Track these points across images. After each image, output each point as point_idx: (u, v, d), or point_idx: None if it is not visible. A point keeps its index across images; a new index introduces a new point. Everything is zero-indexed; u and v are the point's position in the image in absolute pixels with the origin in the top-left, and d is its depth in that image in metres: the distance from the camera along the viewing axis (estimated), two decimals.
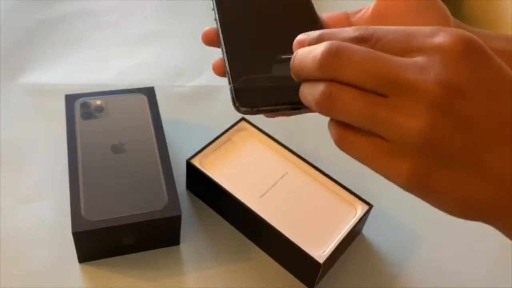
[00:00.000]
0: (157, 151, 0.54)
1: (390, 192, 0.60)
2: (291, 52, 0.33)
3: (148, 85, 0.62)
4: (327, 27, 0.40)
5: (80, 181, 0.51)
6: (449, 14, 0.37)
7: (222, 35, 0.39)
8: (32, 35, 0.75)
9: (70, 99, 0.59)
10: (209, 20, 0.88)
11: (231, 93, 0.35)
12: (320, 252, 0.49)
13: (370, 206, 0.54)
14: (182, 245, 0.54)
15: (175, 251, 0.54)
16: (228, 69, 0.37)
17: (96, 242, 0.50)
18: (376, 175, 0.39)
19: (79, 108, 0.58)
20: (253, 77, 0.36)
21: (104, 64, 0.72)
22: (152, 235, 0.52)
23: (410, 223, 0.58)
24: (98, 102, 0.59)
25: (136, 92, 0.60)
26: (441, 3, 0.37)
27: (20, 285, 0.49)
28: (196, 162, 0.56)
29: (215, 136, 0.58)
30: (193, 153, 0.56)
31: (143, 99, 0.60)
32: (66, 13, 0.79)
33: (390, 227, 0.58)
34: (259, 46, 0.39)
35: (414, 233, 0.58)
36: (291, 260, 0.52)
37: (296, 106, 0.34)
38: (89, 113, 0.57)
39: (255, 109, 0.35)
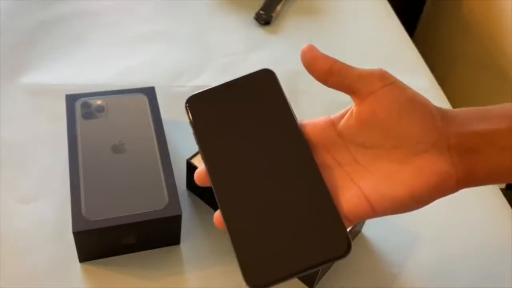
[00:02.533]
0: (157, 151, 0.55)
1: None
2: (287, 200, 0.35)
3: (148, 85, 0.62)
4: (313, 141, 0.38)
5: (80, 181, 0.51)
6: (432, 106, 0.37)
7: (219, 201, 0.36)
8: (32, 35, 0.75)
9: (71, 99, 0.59)
10: (209, 20, 0.89)
11: (241, 273, 0.34)
12: None
13: None
14: (183, 245, 0.54)
15: (175, 250, 0.54)
16: (230, 241, 0.35)
17: (97, 242, 0.50)
18: None
19: (80, 108, 0.58)
20: (260, 247, 0.34)
21: (104, 64, 0.73)
22: (153, 234, 0.52)
23: (410, 222, 0.58)
24: (99, 102, 0.59)
25: (137, 92, 0.60)
26: (422, 98, 0.37)
27: (20, 285, 0.49)
28: (196, 161, 0.56)
29: None
30: (193, 153, 0.56)
31: (144, 99, 0.60)
32: (66, 13, 0.79)
33: (389, 226, 0.58)
34: (255, 198, 0.36)
35: (414, 232, 0.58)
36: None
37: (313, 269, 0.34)
38: (89, 113, 0.57)
39: (271, 285, 0.34)
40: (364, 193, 0.36)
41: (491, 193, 0.63)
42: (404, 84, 0.37)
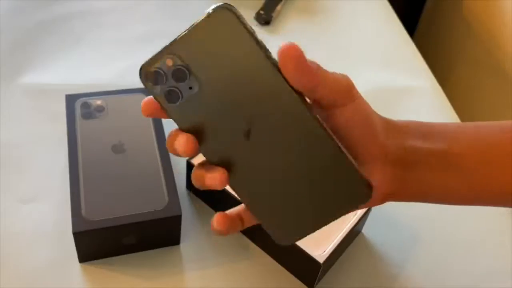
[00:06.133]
0: (157, 151, 0.55)
1: None
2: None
3: None
4: None
5: (80, 181, 0.51)
6: (377, 121, 0.37)
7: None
8: (32, 35, 0.75)
9: (71, 99, 0.59)
10: None
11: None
12: (320, 252, 0.50)
13: None
14: (182, 245, 0.54)
15: (175, 250, 0.54)
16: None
17: (97, 242, 0.50)
18: None
19: (80, 108, 0.58)
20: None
21: (104, 64, 0.73)
22: (153, 234, 0.52)
23: (410, 223, 0.58)
24: (99, 102, 0.59)
25: (136, 92, 0.60)
26: (366, 112, 0.36)
27: (20, 285, 0.49)
28: (196, 162, 0.56)
29: None
30: None
31: (144, 99, 0.60)
32: (66, 13, 0.79)
33: (389, 227, 0.58)
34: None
35: (414, 232, 0.58)
36: (291, 260, 0.52)
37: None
38: (89, 113, 0.57)
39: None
40: None
41: None
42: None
